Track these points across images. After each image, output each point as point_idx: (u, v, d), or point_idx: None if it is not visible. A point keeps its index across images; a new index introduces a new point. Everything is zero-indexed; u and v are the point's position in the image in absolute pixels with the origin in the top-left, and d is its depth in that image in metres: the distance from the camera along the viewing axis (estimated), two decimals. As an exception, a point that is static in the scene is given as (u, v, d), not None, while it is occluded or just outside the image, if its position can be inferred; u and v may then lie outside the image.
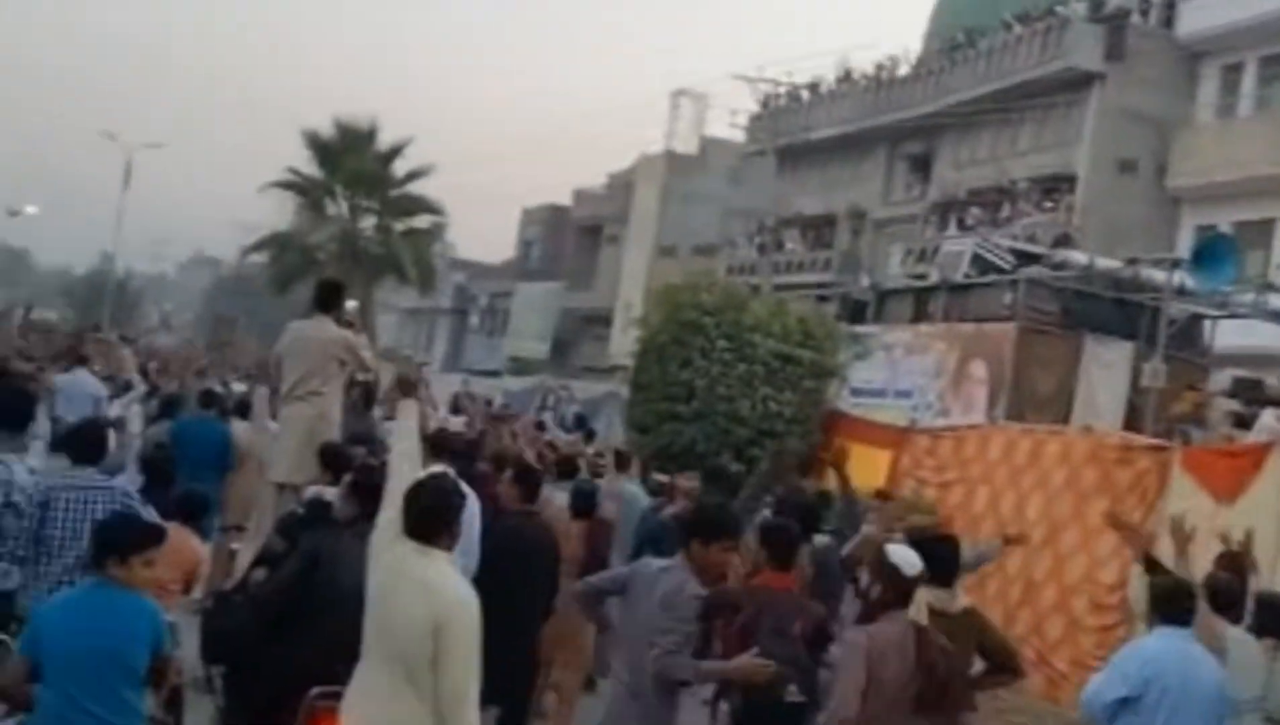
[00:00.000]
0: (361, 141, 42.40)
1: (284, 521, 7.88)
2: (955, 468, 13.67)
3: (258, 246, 45.85)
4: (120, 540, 5.76)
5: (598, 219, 55.56)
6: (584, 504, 10.20)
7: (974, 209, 35.34)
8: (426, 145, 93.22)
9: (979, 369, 19.05)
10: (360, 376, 11.59)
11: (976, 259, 21.58)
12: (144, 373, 18.26)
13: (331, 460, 8.37)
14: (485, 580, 6.33)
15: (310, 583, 6.54)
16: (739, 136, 48.36)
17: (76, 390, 13.14)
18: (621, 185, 53.78)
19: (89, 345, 18.63)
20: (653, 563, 6.61)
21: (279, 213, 43.84)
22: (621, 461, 12.59)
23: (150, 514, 7.22)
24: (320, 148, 42.41)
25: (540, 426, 19.52)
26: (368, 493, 6.67)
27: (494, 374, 39.68)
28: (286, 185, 43.11)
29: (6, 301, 32.38)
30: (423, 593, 5.14)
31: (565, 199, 58.67)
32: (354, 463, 8.01)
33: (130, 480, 9.79)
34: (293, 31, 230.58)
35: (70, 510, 7.00)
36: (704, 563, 6.22)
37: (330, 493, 7.64)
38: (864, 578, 6.12)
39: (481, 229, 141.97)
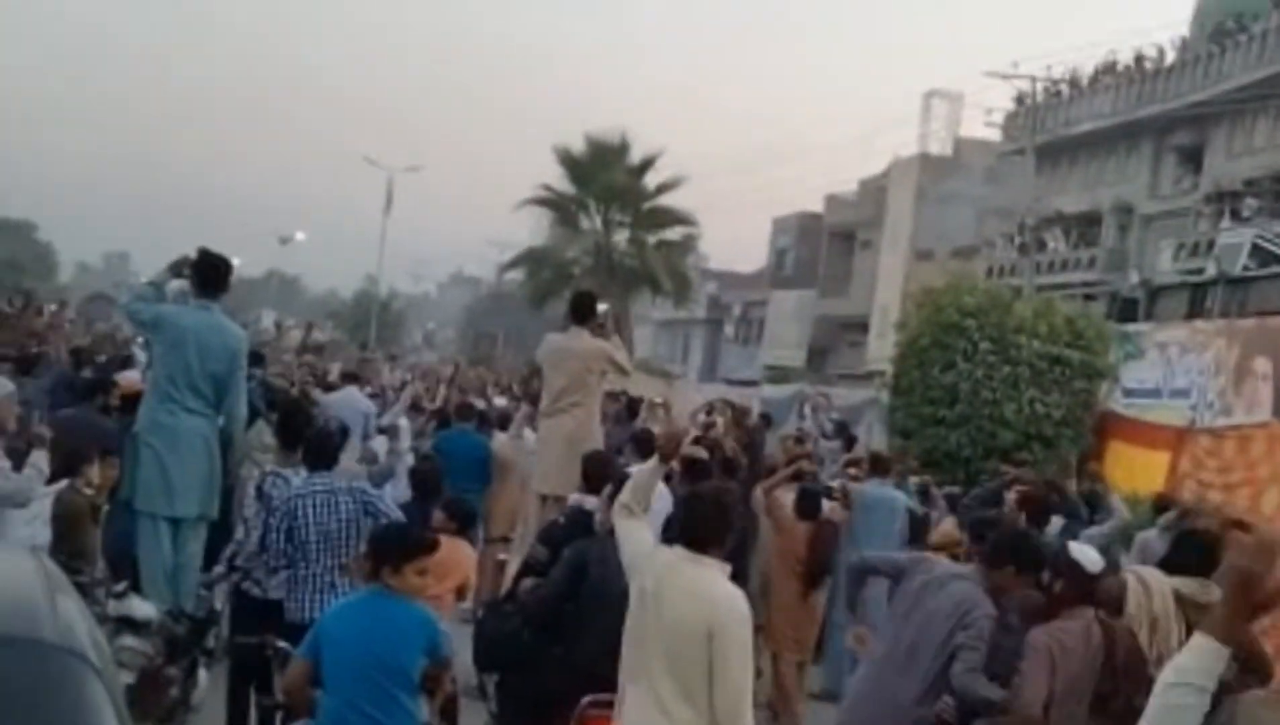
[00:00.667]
0: (612, 156, 42.87)
1: (547, 531, 7.92)
2: (1241, 468, 12.98)
3: (514, 263, 46.85)
4: (394, 549, 5.83)
5: (851, 224, 55.01)
6: (808, 505, 10.52)
7: (1250, 199, 33.56)
8: (677, 156, 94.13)
9: (1263, 365, 18.05)
10: (618, 383, 11.60)
11: (1256, 250, 20.59)
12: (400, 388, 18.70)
13: (594, 470, 8.36)
14: None
15: (578, 590, 6.54)
16: (994, 135, 47.21)
17: (347, 408, 13.54)
18: (874, 189, 53.11)
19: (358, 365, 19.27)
20: (944, 563, 6.60)
21: (534, 229, 44.77)
22: (879, 466, 12.38)
23: (393, 510, 7.50)
24: (572, 164, 43.05)
25: (799, 436, 19.29)
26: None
27: (751, 383, 39.56)
28: (541, 202, 43.91)
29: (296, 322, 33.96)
30: (695, 600, 5.08)
31: (817, 205, 58.29)
32: (616, 473, 7.99)
33: (400, 492, 10.04)
34: (544, 50, 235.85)
35: (316, 514, 7.30)
36: (1002, 586, 6.15)
37: (591, 502, 7.64)
38: (1046, 574, 6.06)
39: (733, 238, 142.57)
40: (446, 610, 7.64)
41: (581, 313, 10.45)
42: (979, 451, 15.61)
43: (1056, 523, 9.26)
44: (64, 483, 7.90)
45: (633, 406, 13.59)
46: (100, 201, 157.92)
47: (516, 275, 47.97)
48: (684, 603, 5.09)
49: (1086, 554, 5.98)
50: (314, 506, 7.32)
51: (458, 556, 8.14)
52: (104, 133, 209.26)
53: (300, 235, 78.84)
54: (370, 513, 7.33)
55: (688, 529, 5.22)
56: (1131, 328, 20.85)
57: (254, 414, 10.01)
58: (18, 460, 7.60)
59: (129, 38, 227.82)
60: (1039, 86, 44.02)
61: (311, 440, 7.90)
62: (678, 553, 5.20)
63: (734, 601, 5.15)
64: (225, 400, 8.16)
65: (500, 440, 13.41)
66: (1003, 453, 15.27)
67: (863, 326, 49.55)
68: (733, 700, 5.00)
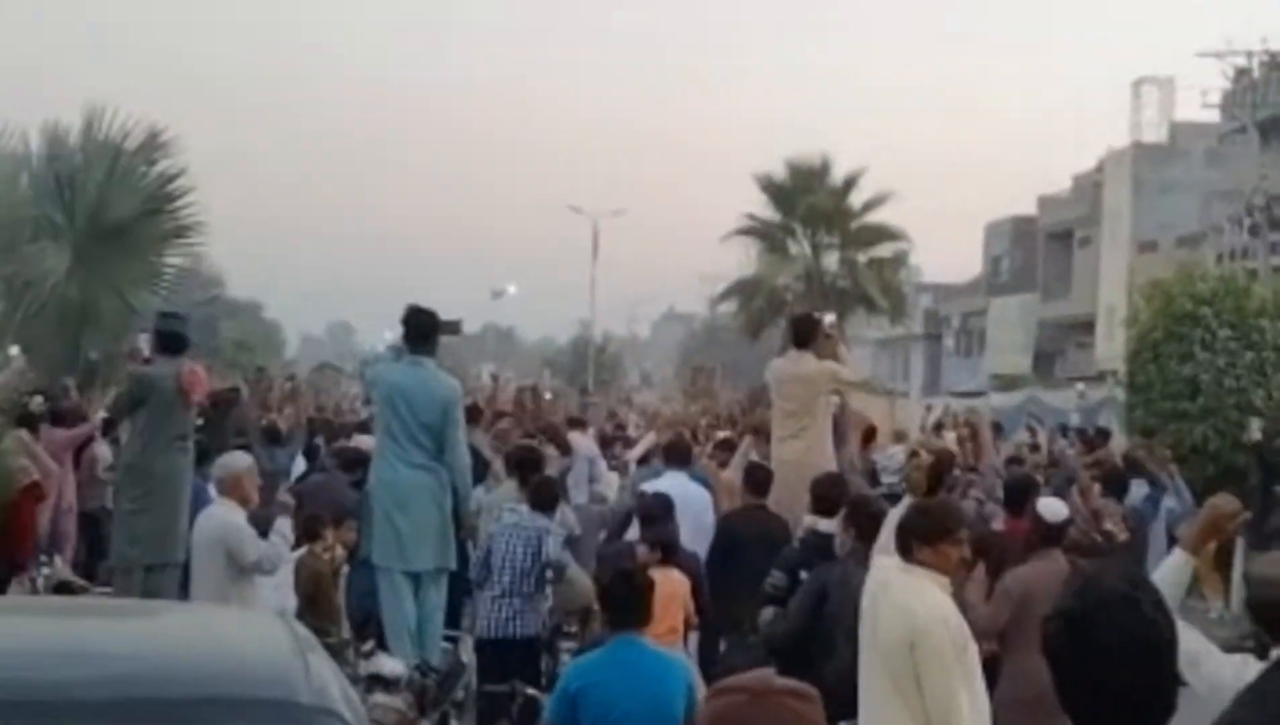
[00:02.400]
0: (815, 178, 42.62)
1: (783, 557, 7.79)
2: None
3: (725, 295, 46.75)
4: (630, 603, 5.77)
5: (1067, 223, 53.58)
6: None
7: None
8: (881, 172, 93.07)
9: None
10: (844, 391, 11.31)
11: None
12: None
13: (825, 492, 8.18)
14: None
15: (820, 615, 6.41)
16: (1211, 117, 45.50)
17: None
18: (1089, 185, 51.65)
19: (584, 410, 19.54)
20: None
21: (743, 260, 44.67)
22: (1134, 466, 11.94)
23: (556, 552, 8.42)
24: (775, 190, 42.91)
25: (1034, 444, 18.77)
26: (865, 522, 6.58)
27: (976, 394, 38.74)
28: (747, 231, 43.84)
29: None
30: (899, 612, 5.14)
31: (1029, 208, 56.93)
32: (849, 494, 7.82)
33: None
34: (734, 79, 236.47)
35: (509, 545, 8.38)
36: None
37: (825, 524, 7.50)
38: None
39: (944, 249, 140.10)
40: (678, 645, 7.55)
41: (802, 336, 10.31)
42: (1228, 443, 14.95)
43: (1138, 491, 10.98)
44: (304, 549, 8.08)
45: (869, 434, 13.17)
46: (320, 274, 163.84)
47: (729, 307, 47.94)
48: (891, 615, 5.16)
49: (1049, 507, 7.30)
50: (508, 539, 8.38)
51: (670, 589, 8.03)
52: (318, 206, 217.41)
53: (512, 288, 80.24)
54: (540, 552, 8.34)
55: (900, 539, 5.33)
56: (1381, 300, 19.74)
57: (481, 466, 10.13)
58: (262, 528, 7.79)
59: (329, 110, 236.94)
60: (1256, 60, 42.27)
61: (531, 486, 8.82)
62: (892, 564, 5.30)
63: (937, 609, 5.15)
64: (445, 452, 8.24)
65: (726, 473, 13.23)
66: (1254, 443, 14.58)
67: (1088, 326, 48.15)
68: (940, 710, 5.02)
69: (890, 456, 13.09)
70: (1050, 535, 7.05)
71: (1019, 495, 8.46)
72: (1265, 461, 11.45)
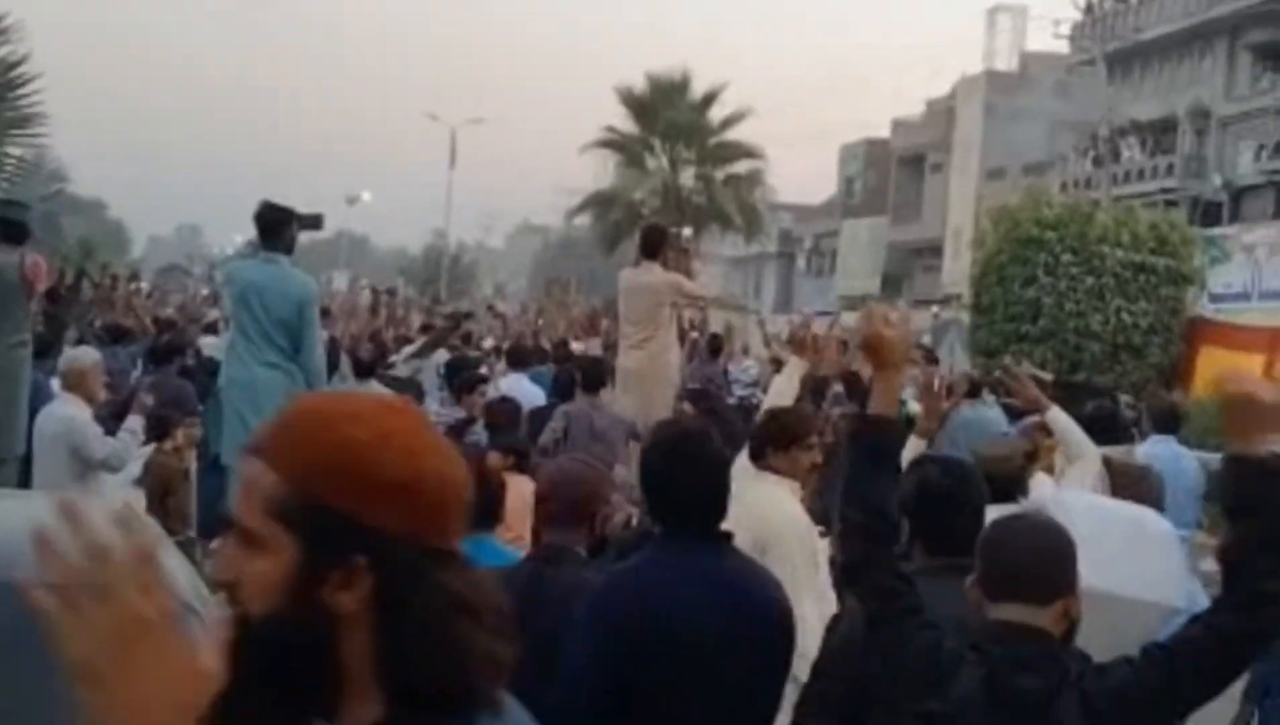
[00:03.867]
0: (675, 93, 42.53)
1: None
2: (1342, 366, 12.66)
3: (582, 208, 46.57)
4: (483, 502, 5.79)
5: (919, 148, 54.33)
6: None
7: (1331, 94, 32.73)
8: (741, 90, 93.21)
9: (1359, 260, 17.66)
10: (688, 312, 11.43)
11: (1342, 144, 19.97)
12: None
13: (695, 404, 8.32)
14: None
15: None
16: (1062, 48, 46.37)
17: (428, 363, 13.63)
18: (941, 111, 52.40)
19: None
20: None
21: (600, 173, 44.51)
22: (974, 388, 12.19)
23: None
24: (635, 103, 42.74)
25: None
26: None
27: (826, 314, 39.28)
28: (605, 144, 43.66)
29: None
30: (751, 518, 4.71)
31: (884, 131, 57.60)
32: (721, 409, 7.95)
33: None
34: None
35: None
36: None
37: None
38: None
39: (801, 170, 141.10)
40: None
41: (650, 246, 10.31)
42: (1065, 366, 15.38)
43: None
44: (152, 447, 7.94)
45: (715, 343, 13.41)
46: (168, 175, 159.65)
47: (585, 220, 47.80)
48: (743, 520, 4.40)
49: None
50: None
51: (521, 498, 8.03)
52: (167, 105, 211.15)
53: (367, 195, 79.20)
54: None
55: (753, 444, 5.22)
56: (1216, 231, 20.44)
57: (333, 366, 10.04)
58: (111, 427, 7.64)
59: (187, 6, 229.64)
60: (1106, -7, 43.16)
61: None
62: (743, 469, 5.00)
63: (788, 514, 5.06)
64: (299, 351, 8.08)
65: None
66: (1091, 365, 15.05)
67: (936, 250, 49.04)
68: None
69: (744, 369, 13.31)
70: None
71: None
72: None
